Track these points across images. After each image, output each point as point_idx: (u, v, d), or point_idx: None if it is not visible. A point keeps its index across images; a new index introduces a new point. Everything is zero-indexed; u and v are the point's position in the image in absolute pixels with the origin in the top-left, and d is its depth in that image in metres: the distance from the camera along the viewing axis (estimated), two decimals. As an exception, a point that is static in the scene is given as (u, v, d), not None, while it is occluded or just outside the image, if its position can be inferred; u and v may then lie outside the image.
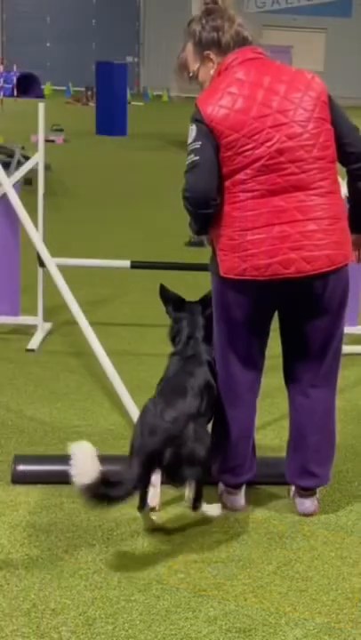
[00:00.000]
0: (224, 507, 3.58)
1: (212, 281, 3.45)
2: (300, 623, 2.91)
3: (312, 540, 3.45)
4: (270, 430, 4.39)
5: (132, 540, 3.37)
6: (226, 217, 3.29)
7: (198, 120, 3.25)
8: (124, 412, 4.50)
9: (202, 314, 3.66)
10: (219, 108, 3.21)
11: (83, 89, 29.36)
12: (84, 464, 3.00)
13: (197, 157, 3.24)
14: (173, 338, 3.71)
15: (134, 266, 5.81)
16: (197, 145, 3.24)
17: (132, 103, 26.14)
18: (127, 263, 5.78)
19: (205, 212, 3.30)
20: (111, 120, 19.58)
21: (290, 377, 3.57)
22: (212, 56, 3.36)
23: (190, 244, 8.66)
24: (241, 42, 3.35)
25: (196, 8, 3.47)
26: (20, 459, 3.85)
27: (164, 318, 3.74)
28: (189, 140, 3.28)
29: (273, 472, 3.79)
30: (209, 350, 3.60)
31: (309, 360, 3.47)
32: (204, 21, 3.36)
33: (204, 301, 3.68)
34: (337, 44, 37.26)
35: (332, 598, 3.07)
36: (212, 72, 3.38)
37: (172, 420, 3.24)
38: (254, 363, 3.50)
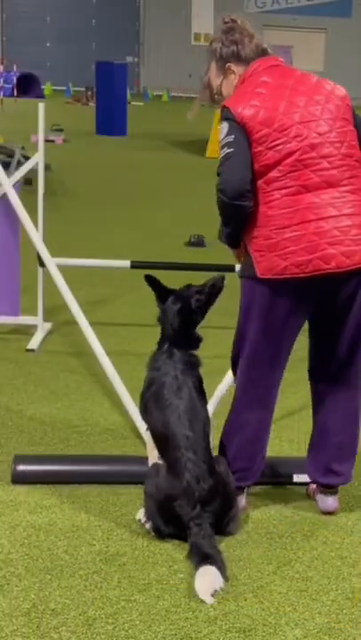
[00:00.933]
0: None
1: (245, 285, 3.42)
2: (300, 623, 2.91)
3: (312, 539, 3.45)
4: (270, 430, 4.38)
5: (132, 540, 3.37)
6: (261, 217, 3.31)
7: (230, 118, 3.31)
8: (124, 412, 4.50)
9: (179, 312, 3.59)
10: (249, 106, 3.30)
11: (83, 89, 29.35)
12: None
13: (231, 149, 3.29)
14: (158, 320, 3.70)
15: (134, 266, 5.80)
16: (230, 138, 3.30)
17: (132, 103, 26.14)
18: (127, 263, 5.78)
19: (241, 205, 3.28)
20: (111, 120, 19.58)
21: (317, 375, 3.58)
22: (233, 67, 3.48)
23: (190, 243, 8.66)
24: (261, 53, 3.48)
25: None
26: (20, 459, 3.85)
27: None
28: (222, 136, 3.34)
29: (273, 472, 3.79)
30: (188, 358, 3.56)
31: (339, 358, 3.49)
32: (223, 38, 3.51)
33: (188, 294, 3.62)
34: (337, 43, 37.30)
35: (332, 598, 3.07)
36: (234, 83, 3.49)
37: (209, 487, 3.29)
38: (282, 365, 3.49)
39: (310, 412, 4.58)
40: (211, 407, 3.89)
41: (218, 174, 3.33)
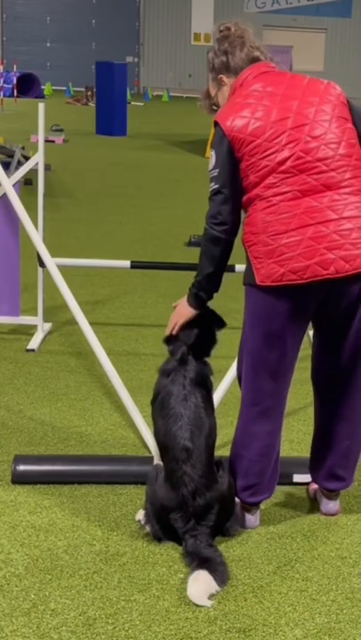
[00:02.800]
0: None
1: (247, 292, 3.38)
2: (300, 623, 2.91)
3: (312, 539, 3.45)
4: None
5: (131, 540, 3.37)
6: (259, 223, 3.26)
7: (217, 139, 3.30)
8: (124, 412, 4.50)
9: (197, 324, 3.53)
10: (239, 118, 3.26)
11: (83, 89, 29.36)
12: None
13: (217, 185, 3.31)
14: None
15: (134, 266, 5.81)
16: (215, 172, 3.31)
17: (132, 103, 26.13)
18: (127, 263, 5.79)
19: (226, 239, 3.32)
20: (111, 120, 19.57)
21: (321, 381, 3.53)
22: (225, 79, 3.46)
23: (190, 243, 8.66)
24: (252, 61, 3.42)
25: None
26: (20, 459, 3.85)
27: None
28: (209, 167, 3.36)
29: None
30: (200, 366, 3.51)
31: (342, 363, 3.42)
32: (216, 48, 3.48)
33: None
34: (337, 43, 37.31)
35: (332, 598, 3.07)
36: (226, 94, 3.46)
37: (205, 503, 3.27)
38: (286, 375, 3.41)
39: (309, 411, 4.59)
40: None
41: (209, 205, 3.34)
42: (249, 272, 3.33)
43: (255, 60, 3.42)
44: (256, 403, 3.42)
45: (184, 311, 3.50)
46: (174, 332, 3.51)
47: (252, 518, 3.51)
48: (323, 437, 3.58)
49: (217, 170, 3.30)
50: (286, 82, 3.34)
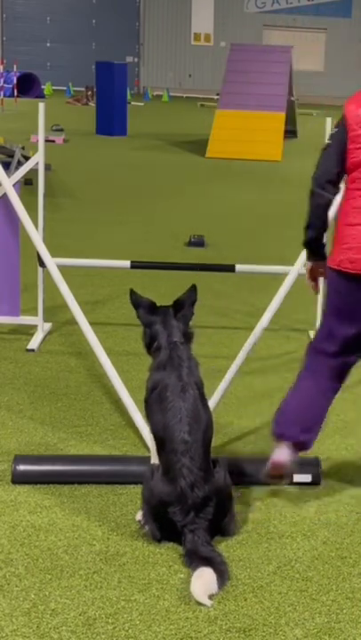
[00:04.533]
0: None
1: None
2: (300, 623, 2.91)
3: (312, 539, 3.45)
4: (269, 431, 4.38)
5: (132, 540, 3.37)
6: (342, 211, 3.54)
7: (343, 114, 3.59)
8: (124, 412, 4.50)
9: (175, 316, 3.64)
10: (357, 106, 3.51)
11: (83, 89, 29.35)
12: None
13: (328, 142, 3.64)
14: (148, 343, 3.67)
15: (134, 266, 5.81)
16: (334, 131, 3.64)
17: (132, 103, 26.11)
18: (127, 263, 5.78)
19: (320, 194, 3.53)
20: (111, 120, 19.55)
21: None
22: None
23: (190, 243, 8.66)
24: None
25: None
26: (20, 459, 3.86)
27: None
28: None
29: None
30: (189, 354, 3.57)
31: None
32: None
33: (177, 304, 3.66)
34: (337, 44, 37.26)
35: (332, 598, 3.07)
36: None
37: (204, 495, 3.28)
38: (342, 352, 3.61)
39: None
40: (211, 407, 3.88)
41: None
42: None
43: None
44: (307, 358, 3.69)
45: (307, 267, 3.78)
46: (314, 289, 3.83)
47: (280, 451, 3.62)
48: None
49: (336, 129, 3.63)
50: None
